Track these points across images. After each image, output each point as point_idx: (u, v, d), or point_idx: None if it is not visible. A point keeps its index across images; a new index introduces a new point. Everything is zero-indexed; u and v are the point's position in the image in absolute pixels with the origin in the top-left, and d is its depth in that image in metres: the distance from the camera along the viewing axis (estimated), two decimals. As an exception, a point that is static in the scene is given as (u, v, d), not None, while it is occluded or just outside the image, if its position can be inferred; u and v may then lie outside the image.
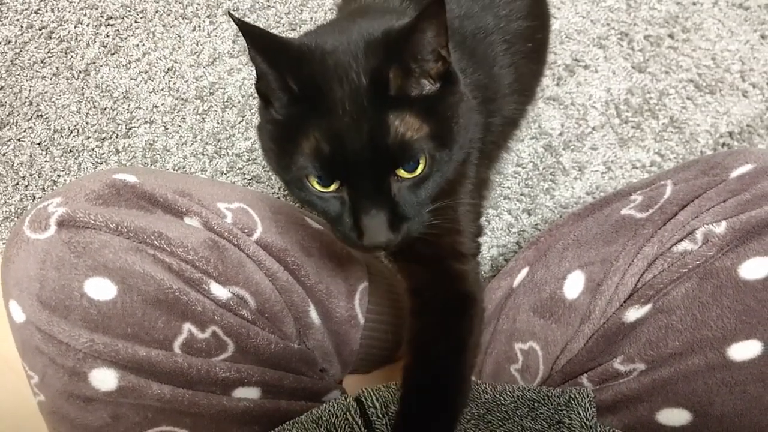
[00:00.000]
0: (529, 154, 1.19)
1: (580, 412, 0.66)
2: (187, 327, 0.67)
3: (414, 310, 0.77)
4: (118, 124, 1.28)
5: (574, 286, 0.76)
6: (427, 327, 0.74)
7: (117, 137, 1.28)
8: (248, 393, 0.73)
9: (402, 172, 0.61)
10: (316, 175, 0.61)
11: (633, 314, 0.70)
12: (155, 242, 0.66)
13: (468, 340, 0.73)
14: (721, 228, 0.67)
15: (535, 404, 0.69)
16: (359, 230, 0.61)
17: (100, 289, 0.63)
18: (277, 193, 1.21)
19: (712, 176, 0.73)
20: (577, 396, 0.67)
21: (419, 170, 0.62)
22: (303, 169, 0.61)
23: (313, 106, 0.60)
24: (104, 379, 0.63)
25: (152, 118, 1.28)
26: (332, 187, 0.62)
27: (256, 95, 1.26)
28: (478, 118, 0.72)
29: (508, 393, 0.71)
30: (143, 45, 1.35)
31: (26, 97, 1.33)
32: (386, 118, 0.59)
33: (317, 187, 0.62)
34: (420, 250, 0.74)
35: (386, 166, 0.61)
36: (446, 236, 0.75)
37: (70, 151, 1.27)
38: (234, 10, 1.35)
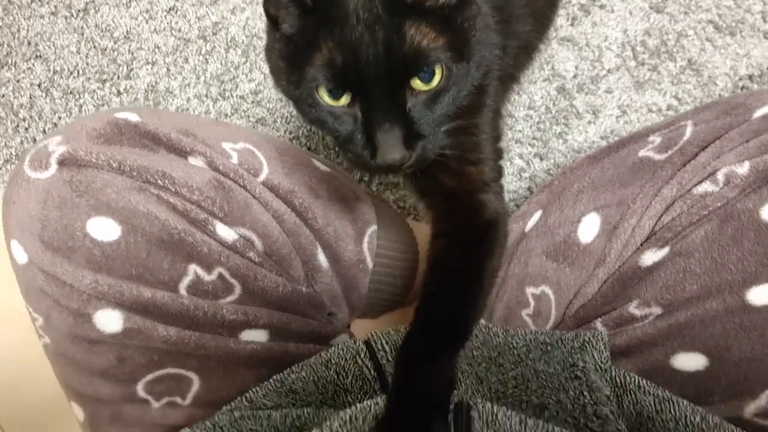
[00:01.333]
0: (542, 97, 1.16)
1: (595, 355, 0.65)
2: (193, 268, 0.66)
3: (435, 234, 0.76)
4: (119, 65, 1.25)
5: (588, 229, 0.74)
6: (446, 248, 0.74)
7: (118, 78, 1.25)
8: (256, 336, 0.72)
9: (417, 83, 0.59)
10: (327, 87, 0.59)
11: (650, 258, 0.68)
12: (159, 182, 0.64)
13: (487, 263, 0.72)
14: (743, 169, 0.64)
15: (548, 347, 0.68)
16: (372, 147, 0.59)
17: (104, 230, 0.62)
18: (283, 136, 1.19)
19: (735, 116, 0.70)
20: (592, 339, 0.66)
21: (435, 82, 0.60)
22: (314, 81, 0.60)
23: (325, 18, 0.59)
24: (109, 320, 0.63)
25: (154, 59, 1.25)
26: (343, 100, 0.60)
27: (260, 35, 1.23)
28: (495, 37, 0.69)
29: (521, 336, 0.71)
30: (144, -18, 1.31)
31: (24, 37, 1.29)
32: (402, 26, 0.58)
33: (328, 100, 0.60)
34: (442, 181, 0.73)
35: (401, 76, 0.59)
36: (468, 166, 0.73)
37: (71, 92, 1.25)
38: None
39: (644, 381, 0.63)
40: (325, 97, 0.60)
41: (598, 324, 0.72)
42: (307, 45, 0.60)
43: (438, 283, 0.71)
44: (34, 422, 1.15)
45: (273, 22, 0.64)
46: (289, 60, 0.63)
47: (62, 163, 0.62)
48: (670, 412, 0.60)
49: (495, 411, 0.57)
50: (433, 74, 0.59)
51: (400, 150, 0.59)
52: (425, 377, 0.61)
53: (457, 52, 0.60)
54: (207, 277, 0.67)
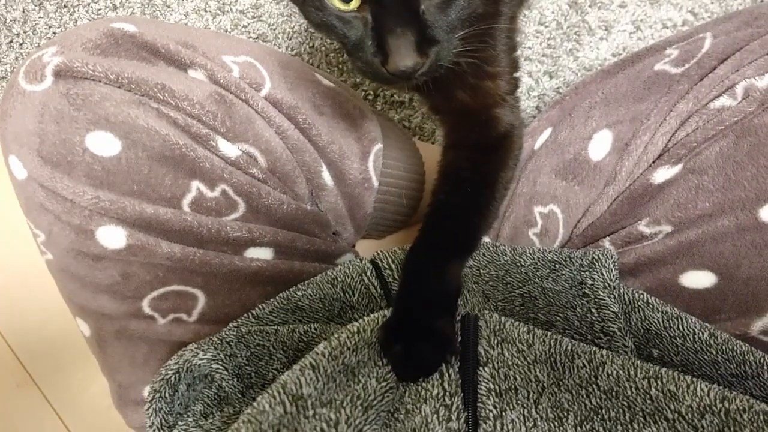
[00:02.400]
0: (553, 12, 1.12)
1: (604, 272, 0.64)
2: (196, 185, 0.65)
3: (448, 146, 0.75)
4: (115, -22, 1.21)
5: (600, 146, 0.72)
6: (459, 158, 0.73)
7: (114, -8, 1.20)
8: (261, 253, 0.71)
9: None
10: None
11: (662, 175, 0.66)
12: (158, 95, 0.63)
13: (500, 173, 0.72)
14: (763, 82, 0.62)
15: (557, 266, 0.67)
16: (384, 54, 0.56)
17: (103, 144, 0.61)
18: (285, 53, 1.15)
19: (756, 27, 0.67)
20: (601, 257, 0.66)
21: None
22: None
23: None
24: (112, 236, 0.62)
25: (150, -28, 1.20)
26: (353, 4, 0.57)
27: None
28: None
29: (528, 255, 0.70)
30: None
31: (15, -52, 1.24)
32: None
33: (337, 4, 0.57)
34: (458, 97, 0.71)
35: None
36: (484, 80, 0.71)
37: (65, 6, 1.20)
38: None
39: (652, 298, 0.63)
40: (334, 1, 0.57)
41: (606, 243, 0.71)
42: None
43: (449, 191, 0.70)
44: (41, 340, 1.17)
45: None
46: None
47: (58, 74, 0.60)
48: (678, 328, 0.60)
49: (502, 321, 0.57)
50: None
51: (412, 56, 0.55)
52: (432, 281, 0.62)
53: None
54: (210, 194, 0.66)
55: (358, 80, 1.14)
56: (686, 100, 0.66)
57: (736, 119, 0.63)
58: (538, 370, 0.53)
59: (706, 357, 0.58)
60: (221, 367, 0.60)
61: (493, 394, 0.52)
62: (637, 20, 1.10)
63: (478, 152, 0.72)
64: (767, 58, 0.63)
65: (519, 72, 0.76)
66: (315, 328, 0.64)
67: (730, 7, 1.10)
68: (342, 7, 0.57)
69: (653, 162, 0.68)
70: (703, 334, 0.59)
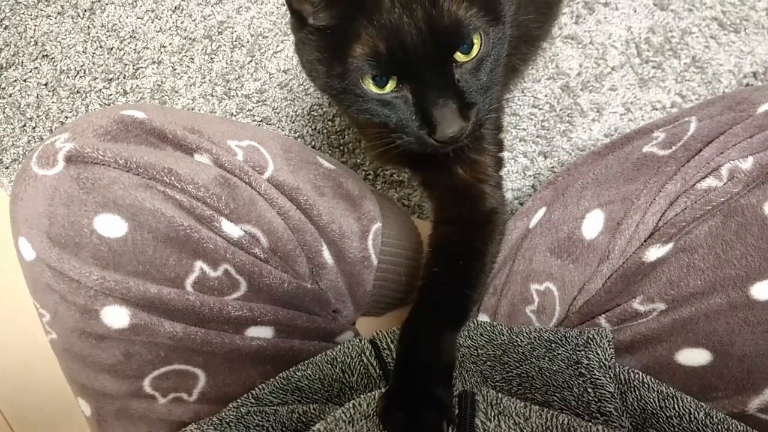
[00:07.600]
0: (546, 95, 1.16)
1: (599, 352, 0.65)
2: (199, 265, 0.67)
3: (438, 221, 0.78)
4: (126, 65, 1.26)
5: (592, 225, 0.74)
6: (449, 233, 0.76)
7: (124, 78, 1.26)
8: (261, 332, 0.72)
9: (459, 56, 0.60)
10: (372, 75, 0.60)
11: (654, 253, 0.68)
12: (165, 178, 0.65)
13: (487, 248, 0.75)
14: (747, 164, 0.64)
15: (553, 345, 0.68)
16: (430, 125, 0.60)
17: (110, 226, 0.62)
18: (288, 135, 1.19)
19: (739, 112, 0.70)
20: (596, 336, 0.66)
21: (475, 51, 0.61)
22: (359, 71, 0.60)
23: (356, 4, 0.58)
24: (116, 316, 0.63)
25: (160, 59, 1.26)
26: (389, 87, 0.61)
27: (265, 35, 1.24)
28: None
29: (525, 334, 0.71)
30: (149, -18, 1.31)
31: (31, 37, 1.30)
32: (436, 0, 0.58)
33: (374, 89, 0.61)
34: (455, 172, 0.76)
35: (446, 51, 0.59)
36: (480, 155, 0.76)
37: (77, 92, 1.25)
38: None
39: (648, 377, 0.63)
40: (371, 86, 0.61)
41: (602, 320, 0.72)
42: (342, 36, 0.59)
43: (441, 265, 0.73)
44: (42, 420, 1.16)
45: (298, 16, 0.64)
46: (329, 53, 0.62)
47: (69, 159, 0.62)
48: (673, 408, 0.60)
49: (500, 396, 0.58)
50: (472, 44, 0.60)
51: (458, 122, 0.60)
52: (428, 351, 0.64)
53: (491, 15, 0.61)
54: (213, 274, 0.68)
55: (358, 161, 1.17)
56: (674, 180, 0.69)
57: (723, 199, 0.65)
58: None
59: None
60: None
61: None
62: (627, 102, 1.14)
63: (467, 227, 0.76)
64: (750, 141, 0.66)
65: (504, 152, 0.80)
66: (314, 409, 0.64)
67: (717, 90, 1.14)
68: (380, 91, 0.61)
69: (645, 241, 0.70)
70: (698, 413, 0.59)
